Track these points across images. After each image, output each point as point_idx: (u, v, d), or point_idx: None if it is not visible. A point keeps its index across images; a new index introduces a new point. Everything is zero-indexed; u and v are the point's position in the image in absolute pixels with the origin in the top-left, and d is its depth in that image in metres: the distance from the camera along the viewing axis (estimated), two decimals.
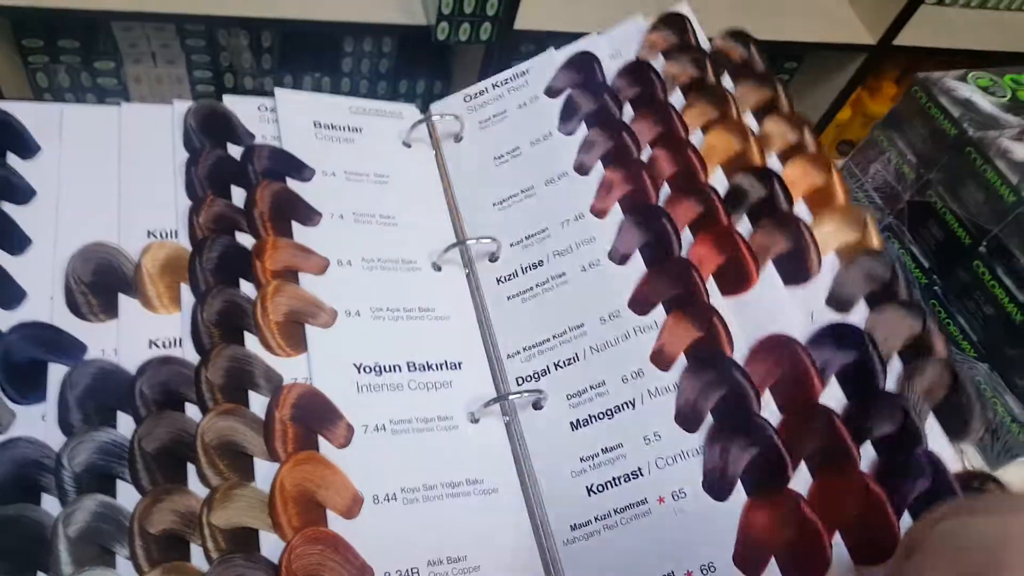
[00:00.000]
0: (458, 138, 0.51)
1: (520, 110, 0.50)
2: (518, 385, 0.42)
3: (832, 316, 0.39)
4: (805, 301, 0.40)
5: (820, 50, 1.30)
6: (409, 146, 0.50)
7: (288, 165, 0.45)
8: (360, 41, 1.20)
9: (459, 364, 0.42)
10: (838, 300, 0.39)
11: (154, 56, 1.17)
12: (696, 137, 0.46)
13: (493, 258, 0.46)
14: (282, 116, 0.47)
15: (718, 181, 0.44)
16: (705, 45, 0.50)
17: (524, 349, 0.43)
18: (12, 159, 0.40)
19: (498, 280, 0.46)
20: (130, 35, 1.13)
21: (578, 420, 0.40)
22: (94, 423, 0.34)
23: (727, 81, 0.48)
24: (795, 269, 0.41)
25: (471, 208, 0.48)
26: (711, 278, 0.41)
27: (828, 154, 0.44)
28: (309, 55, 1.22)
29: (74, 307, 0.37)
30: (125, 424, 0.35)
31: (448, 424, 0.40)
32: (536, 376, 0.42)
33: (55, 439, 0.33)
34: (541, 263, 0.45)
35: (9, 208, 0.38)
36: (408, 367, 0.41)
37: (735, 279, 0.41)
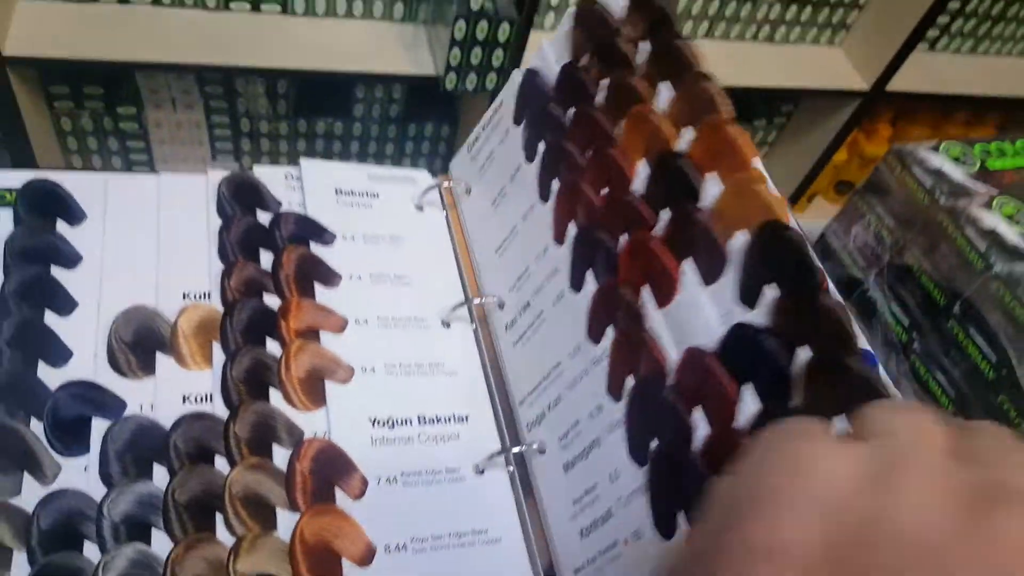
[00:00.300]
0: (468, 191, 0.54)
1: (501, 146, 0.50)
2: (528, 431, 0.45)
3: (741, 314, 0.33)
4: (719, 300, 0.34)
5: (816, 95, 1.35)
6: (421, 209, 0.54)
7: (312, 230, 0.48)
8: (372, 88, 1.25)
9: (466, 417, 0.45)
10: (745, 293, 0.33)
11: (174, 102, 1.22)
12: (618, 133, 0.41)
13: (501, 305, 0.48)
14: (307, 184, 0.50)
15: (642, 176, 0.39)
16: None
17: (528, 394, 0.45)
18: (61, 226, 0.44)
19: (506, 327, 0.48)
20: (152, 82, 1.19)
21: (567, 462, 0.41)
22: (132, 475, 0.37)
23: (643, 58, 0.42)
24: (709, 263, 0.35)
25: (482, 259, 0.51)
26: (647, 290, 0.37)
27: (731, 115, 0.37)
28: (322, 101, 1.27)
29: (115, 365, 0.40)
30: (160, 475, 0.38)
31: (455, 476, 0.43)
32: (538, 420, 0.44)
33: (96, 490, 0.36)
34: (529, 304, 0.45)
35: (58, 272, 0.42)
36: (419, 420, 0.44)
37: (663, 288, 0.36)
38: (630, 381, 0.37)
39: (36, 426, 0.37)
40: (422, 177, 0.56)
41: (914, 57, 1.27)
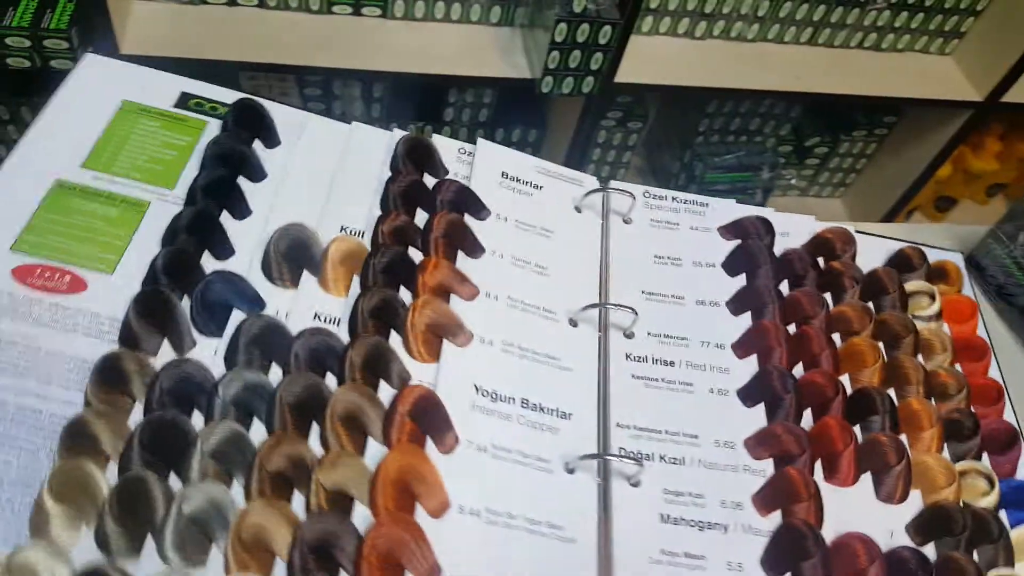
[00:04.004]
0: (627, 220, 0.55)
1: (692, 232, 0.56)
2: (618, 452, 0.43)
3: (907, 541, 0.44)
4: (889, 519, 0.45)
5: (922, 105, 1.28)
6: (580, 211, 0.54)
7: (469, 202, 0.50)
8: (463, 92, 1.24)
9: (569, 415, 0.45)
10: (915, 532, 0.45)
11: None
12: (836, 337, 0.52)
13: (628, 334, 0.49)
14: (477, 161, 0.53)
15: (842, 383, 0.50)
16: (860, 261, 0.57)
17: (635, 427, 0.45)
18: (257, 145, 0.48)
19: (627, 356, 0.48)
20: (253, 83, 1.21)
21: (669, 516, 0.42)
22: (253, 367, 0.40)
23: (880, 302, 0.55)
24: (885, 489, 0.46)
25: (620, 285, 0.51)
26: (819, 460, 0.46)
27: (939, 415, 0.49)
28: (415, 105, 1.26)
29: (267, 270, 0.43)
30: (276, 375, 0.40)
31: (544, 467, 0.42)
32: (640, 456, 0.44)
33: (219, 371, 0.39)
34: (673, 364, 0.49)
35: (243, 182, 0.46)
36: (522, 403, 0.44)
37: (836, 471, 0.45)
38: (778, 512, 0.43)
39: (187, 304, 0.41)
40: (589, 182, 0.56)
41: None
